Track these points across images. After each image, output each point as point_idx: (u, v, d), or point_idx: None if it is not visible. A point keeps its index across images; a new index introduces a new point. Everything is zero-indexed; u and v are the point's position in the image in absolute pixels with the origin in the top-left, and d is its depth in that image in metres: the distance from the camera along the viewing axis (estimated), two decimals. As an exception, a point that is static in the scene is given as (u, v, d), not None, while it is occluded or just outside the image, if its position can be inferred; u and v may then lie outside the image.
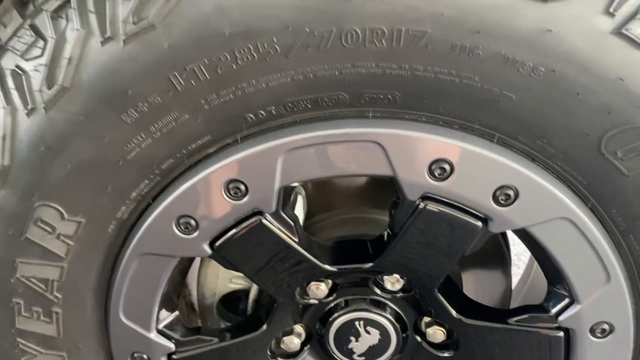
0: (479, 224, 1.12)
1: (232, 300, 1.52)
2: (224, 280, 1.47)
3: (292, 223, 1.19)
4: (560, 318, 1.20)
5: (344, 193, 1.46)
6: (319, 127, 1.06)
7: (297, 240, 1.20)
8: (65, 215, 1.13)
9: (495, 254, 1.50)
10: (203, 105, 1.02)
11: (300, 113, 1.06)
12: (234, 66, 0.97)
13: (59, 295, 1.23)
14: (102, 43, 0.97)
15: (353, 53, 0.96)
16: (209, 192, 1.12)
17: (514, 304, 1.63)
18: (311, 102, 1.04)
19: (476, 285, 1.53)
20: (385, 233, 1.24)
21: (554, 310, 1.22)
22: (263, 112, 1.05)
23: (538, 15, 0.89)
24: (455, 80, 0.97)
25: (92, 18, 0.97)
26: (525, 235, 1.15)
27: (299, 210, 1.35)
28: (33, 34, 1.02)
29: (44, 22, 1.01)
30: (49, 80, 1.00)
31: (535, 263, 1.89)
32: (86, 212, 1.14)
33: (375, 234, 1.39)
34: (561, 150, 1.04)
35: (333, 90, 1.02)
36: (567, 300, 1.20)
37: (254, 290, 1.45)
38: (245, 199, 1.12)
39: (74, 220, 1.14)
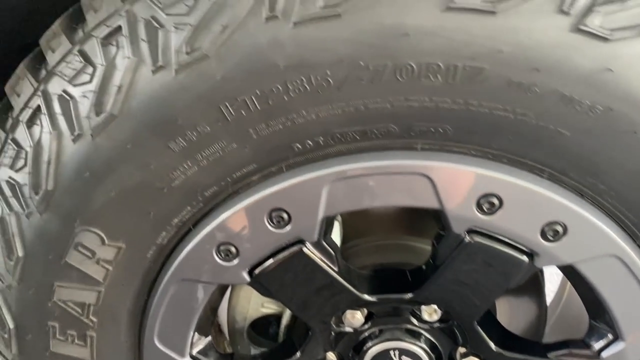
0: (525, 259, 1.10)
1: (262, 325, 1.51)
2: (255, 304, 1.46)
3: (332, 252, 1.18)
4: (604, 355, 1.18)
5: (380, 219, 1.44)
6: (366, 157, 1.05)
7: (336, 269, 1.19)
8: (106, 241, 1.12)
9: (530, 282, 1.48)
10: (251, 135, 1.01)
11: (348, 143, 1.05)
12: (285, 97, 0.96)
13: (94, 319, 1.22)
14: (154, 72, 0.96)
15: (407, 87, 0.94)
16: (252, 220, 1.11)
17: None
18: (359, 133, 1.03)
19: (510, 312, 1.51)
20: (426, 264, 1.23)
21: (596, 347, 1.20)
22: (311, 142, 1.04)
23: (599, 54, 0.88)
24: (510, 116, 0.96)
25: (144, 46, 0.96)
26: (569, 270, 1.13)
27: (336, 236, 1.34)
28: (82, 60, 1.01)
29: (93, 48, 1.01)
30: (97, 107, 1.00)
31: (567, 288, 1.87)
32: (127, 237, 1.13)
33: (411, 262, 1.38)
34: (613, 188, 1.02)
35: (383, 122, 1.00)
36: (610, 337, 1.18)
37: (287, 315, 1.44)
38: (288, 227, 1.11)
39: (115, 246, 1.13)
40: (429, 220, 1.32)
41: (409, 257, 1.40)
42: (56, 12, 1.42)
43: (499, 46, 0.89)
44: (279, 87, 0.95)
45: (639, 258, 1.08)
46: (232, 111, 0.98)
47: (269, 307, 1.47)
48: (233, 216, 1.11)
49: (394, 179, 1.05)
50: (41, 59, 1.09)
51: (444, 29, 0.89)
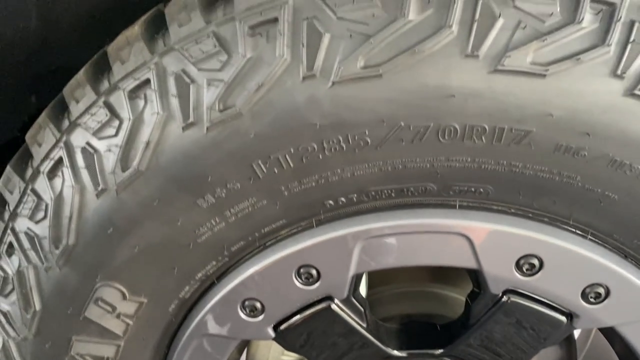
0: (564, 320, 1.06)
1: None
2: (275, 352, 1.41)
3: (361, 308, 1.14)
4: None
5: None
6: (402, 215, 1.01)
7: (365, 325, 1.15)
8: (128, 296, 1.08)
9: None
10: (283, 192, 0.97)
11: (382, 200, 1.01)
12: (320, 156, 0.92)
13: (113, 373, 1.18)
14: (184, 128, 0.92)
15: (448, 147, 0.90)
16: (279, 276, 1.07)
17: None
18: (396, 191, 0.99)
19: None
20: (458, 319, 1.18)
21: (635, 408, 1.15)
22: (344, 199, 1.00)
23: (653, 119, 0.84)
24: (555, 178, 0.92)
25: (174, 102, 0.92)
26: (609, 330, 1.09)
27: (361, 284, 1.30)
28: (108, 113, 0.97)
29: (120, 101, 0.96)
30: (123, 162, 0.95)
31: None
32: (149, 292, 1.09)
33: (440, 313, 1.34)
34: (660, 251, 0.98)
35: (421, 181, 0.96)
36: (650, 399, 1.13)
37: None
38: (317, 284, 1.07)
39: (136, 301, 1.09)
40: (459, 269, 1.27)
41: (437, 306, 1.35)
42: (69, 43, 1.39)
43: (549, 109, 0.85)
44: (315, 145, 0.91)
45: (684, 322, 1.04)
46: (264, 169, 0.94)
47: (289, 355, 1.42)
48: (260, 272, 1.06)
49: (431, 237, 1.01)
50: (64, 108, 1.05)
51: (492, 91, 0.84)
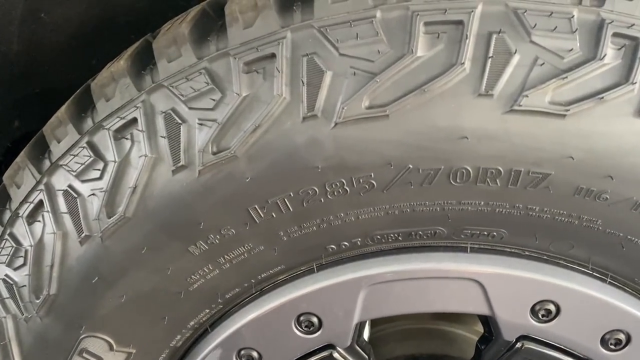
0: (582, 367, 1.00)
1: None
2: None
3: (365, 356, 1.07)
4: None
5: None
6: (409, 259, 0.95)
7: (369, 372, 1.08)
8: (115, 347, 1.00)
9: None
10: (282, 237, 0.90)
11: (389, 244, 0.94)
12: (322, 200, 0.86)
13: None
14: (174, 172, 0.85)
15: (460, 191, 0.84)
16: (278, 325, 1.00)
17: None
18: (403, 235, 0.92)
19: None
20: (468, 365, 1.12)
21: None
22: (347, 243, 0.93)
23: (681, 161, 0.78)
24: (575, 222, 0.86)
25: (163, 143, 0.85)
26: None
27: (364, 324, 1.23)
28: (91, 154, 0.90)
29: (104, 141, 0.89)
30: (109, 207, 0.88)
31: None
32: (138, 342, 1.01)
33: (446, 352, 1.27)
34: (684, 297, 0.92)
35: (431, 225, 0.90)
36: None
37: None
38: (318, 333, 1.00)
39: (124, 351, 1.02)
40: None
41: (445, 346, 1.28)
42: (53, 65, 1.32)
43: (569, 152, 0.79)
44: (316, 189, 0.84)
45: None
46: (261, 214, 0.87)
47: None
48: (256, 320, 0.99)
49: (440, 283, 0.95)
50: (44, 148, 0.97)
51: (507, 133, 0.78)
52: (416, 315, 1.35)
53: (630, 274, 0.92)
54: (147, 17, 1.19)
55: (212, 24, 0.89)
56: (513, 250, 0.93)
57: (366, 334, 1.19)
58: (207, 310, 1.00)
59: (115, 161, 0.88)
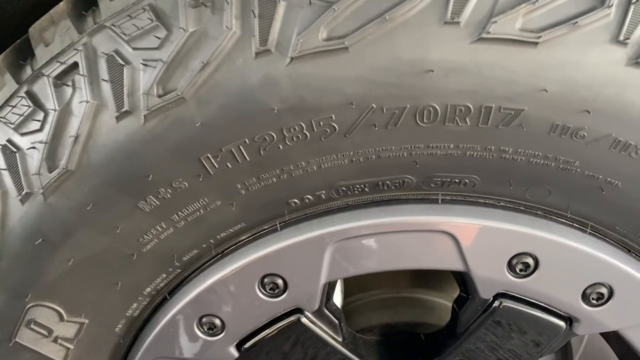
0: (563, 324, 0.94)
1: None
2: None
3: (335, 320, 1.01)
4: None
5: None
6: (377, 213, 0.89)
7: (340, 339, 1.02)
8: (65, 316, 0.94)
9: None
10: (239, 190, 0.84)
11: (355, 197, 0.88)
12: (280, 146, 0.79)
13: (54, 404, 1.03)
14: (118, 118, 0.78)
15: (428, 133, 0.78)
16: (240, 288, 0.93)
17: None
18: (369, 186, 0.86)
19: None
20: (446, 328, 1.06)
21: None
22: (310, 197, 0.87)
23: (662, 91, 0.73)
24: (551, 164, 0.80)
25: (106, 87, 0.78)
26: (612, 334, 0.98)
27: (337, 293, 1.17)
28: (30, 104, 0.82)
29: (44, 89, 0.82)
30: (50, 161, 0.81)
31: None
32: (90, 311, 0.94)
33: (424, 320, 1.22)
34: (669, 244, 0.87)
35: (398, 173, 0.84)
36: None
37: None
38: (284, 296, 0.94)
39: (75, 322, 0.95)
40: (445, 272, 1.15)
41: (422, 314, 1.23)
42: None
43: (542, 84, 0.73)
44: (273, 134, 0.78)
45: (695, 322, 0.93)
46: (215, 164, 0.80)
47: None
48: (217, 284, 0.93)
49: (411, 238, 0.89)
50: (-19, 101, 0.90)
51: (476, 65, 0.72)
52: (394, 283, 1.29)
53: (612, 222, 0.87)
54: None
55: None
56: (487, 201, 0.88)
57: (338, 300, 1.13)
58: (164, 275, 0.94)
59: (55, 110, 0.80)
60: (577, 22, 0.70)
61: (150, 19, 0.77)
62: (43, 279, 0.89)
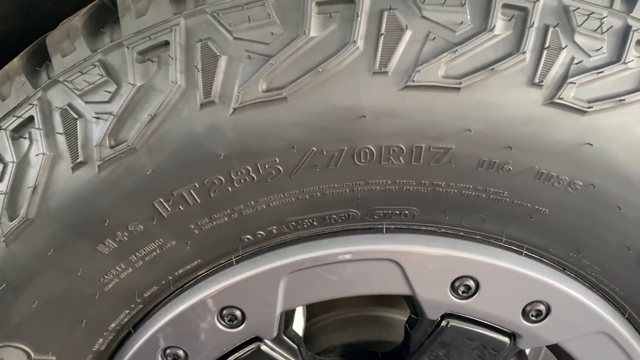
0: (507, 340, 1.00)
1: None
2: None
3: (295, 346, 1.06)
4: None
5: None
6: (326, 244, 0.94)
7: (301, 363, 1.07)
8: (33, 355, 0.97)
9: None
10: (193, 230, 0.89)
11: (305, 230, 0.93)
12: (229, 189, 0.84)
13: None
14: (73, 169, 0.82)
15: (367, 171, 0.84)
16: (200, 321, 0.98)
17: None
18: (317, 220, 0.91)
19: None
20: (400, 347, 1.11)
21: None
22: (262, 232, 0.92)
23: (576, 127, 0.79)
24: (482, 195, 0.86)
25: (61, 140, 0.82)
26: (556, 347, 1.04)
27: (299, 316, 1.22)
28: (-11, 156, 0.87)
29: (2, 142, 0.86)
30: (10, 210, 0.85)
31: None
32: (58, 349, 0.98)
33: (385, 338, 1.27)
34: (597, 263, 0.93)
35: (343, 207, 0.89)
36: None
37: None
38: (242, 326, 0.98)
39: (44, 359, 0.98)
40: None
41: (382, 332, 1.28)
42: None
43: (466, 124, 0.79)
44: (221, 178, 0.83)
45: (628, 332, 1.00)
46: (168, 207, 0.85)
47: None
48: (178, 317, 0.97)
49: (359, 266, 0.94)
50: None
51: (405, 109, 0.78)
52: (355, 303, 1.34)
53: (544, 244, 0.93)
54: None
55: (108, 16, 0.87)
56: (428, 228, 0.94)
57: (301, 323, 1.18)
58: (127, 311, 0.98)
59: (14, 162, 0.85)
60: (494, 68, 0.76)
61: (100, 74, 0.81)
62: (9, 321, 0.93)
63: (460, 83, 0.76)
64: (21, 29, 1.05)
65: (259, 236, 0.93)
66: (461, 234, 0.94)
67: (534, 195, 0.86)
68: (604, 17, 0.79)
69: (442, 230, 0.94)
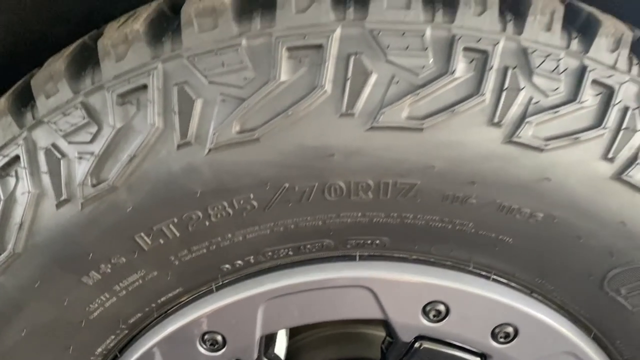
0: (478, 360, 1.05)
1: None
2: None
3: (276, 367, 1.10)
4: None
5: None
6: (303, 272, 0.98)
7: (281, 384, 1.11)
8: (22, 380, 1.01)
9: None
10: (173, 262, 0.93)
11: (281, 259, 0.97)
12: (207, 223, 0.88)
13: None
14: (57, 206, 0.86)
15: (337, 205, 0.88)
16: (183, 345, 1.02)
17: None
18: (292, 249, 0.95)
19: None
20: (377, 368, 1.16)
21: None
22: (240, 262, 0.96)
23: (535, 164, 0.83)
24: (448, 227, 0.90)
25: (46, 179, 0.86)
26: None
27: (281, 336, 1.26)
28: (-23, 194, 0.91)
29: (-11, 180, 0.90)
30: (-1, 245, 0.89)
31: None
32: (46, 374, 1.02)
33: (367, 355, 1.31)
34: (561, 288, 0.98)
35: (316, 238, 0.93)
36: None
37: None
38: (223, 350, 1.02)
39: (32, 384, 1.02)
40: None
41: (364, 348, 1.32)
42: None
43: (430, 162, 0.83)
44: (199, 213, 0.87)
45: (594, 352, 1.04)
46: (148, 241, 0.89)
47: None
48: (162, 341, 1.01)
49: (334, 292, 0.98)
50: None
51: (371, 148, 0.82)
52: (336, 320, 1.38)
53: (510, 270, 0.97)
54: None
55: (90, 58, 0.91)
56: (400, 255, 0.98)
57: (283, 342, 1.22)
58: (113, 337, 1.02)
59: (1, 199, 0.89)
60: (454, 110, 0.80)
61: (82, 116, 0.85)
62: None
63: (423, 124, 0.81)
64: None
65: (238, 265, 0.97)
66: (431, 260, 0.98)
67: (497, 226, 0.90)
68: (560, 58, 0.83)
69: (414, 257, 0.98)
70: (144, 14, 0.90)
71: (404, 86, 0.81)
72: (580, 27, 0.88)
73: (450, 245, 0.94)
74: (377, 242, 0.94)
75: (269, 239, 0.92)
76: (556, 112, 0.82)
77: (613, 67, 0.85)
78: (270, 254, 0.95)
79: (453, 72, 0.81)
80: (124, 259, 0.91)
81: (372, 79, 0.81)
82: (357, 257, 0.98)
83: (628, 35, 0.88)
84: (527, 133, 0.82)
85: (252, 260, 0.96)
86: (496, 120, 0.81)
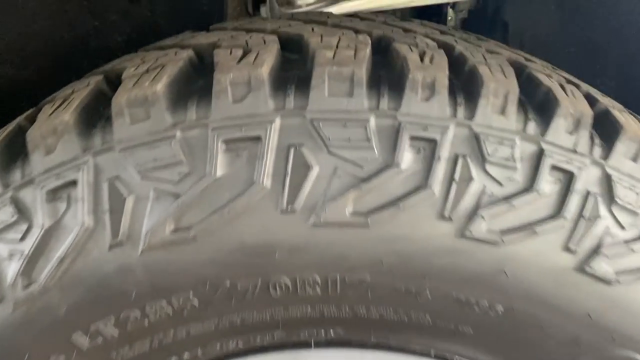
0: None
1: None
2: None
3: None
4: None
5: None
6: (256, 361, 0.93)
7: None
8: None
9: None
10: (115, 358, 0.88)
11: (231, 350, 0.92)
12: (146, 321, 0.83)
13: None
14: (-13, 308, 0.82)
15: (284, 300, 0.83)
16: None
17: None
18: (242, 341, 0.90)
19: None
20: None
21: None
22: (188, 353, 0.91)
23: (491, 257, 0.78)
24: (404, 319, 0.85)
25: (-25, 279, 0.82)
26: None
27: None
28: None
29: None
30: None
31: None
32: None
33: None
34: (529, 373, 0.92)
35: (266, 330, 0.89)
36: None
37: None
38: None
39: None
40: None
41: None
42: None
43: (378, 257, 0.78)
44: (137, 312, 0.82)
45: None
46: (86, 341, 0.84)
47: None
48: None
49: (288, 382, 0.93)
50: None
51: (316, 245, 0.77)
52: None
53: (473, 356, 0.92)
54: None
55: (22, 148, 0.86)
56: (357, 343, 0.93)
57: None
58: None
59: None
60: (400, 205, 0.75)
61: (12, 212, 0.81)
62: None
63: (368, 220, 0.76)
64: None
65: (186, 356, 0.92)
66: (391, 345, 0.93)
67: (455, 317, 0.85)
68: (516, 144, 0.78)
69: (372, 342, 0.93)
70: (78, 98, 0.85)
71: (347, 180, 0.76)
72: (536, 106, 0.83)
73: (407, 337, 0.89)
74: (331, 332, 0.89)
75: (215, 333, 0.87)
76: (512, 203, 0.77)
77: (573, 150, 0.80)
78: (218, 345, 0.90)
79: (399, 165, 0.76)
80: (63, 357, 0.86)
81: (314, 172, 0.76)
82: (312, 345, 0.93)
83: (588, 114, 0.82)
84: (480, 227, 0.77)
85: (199, 352, 0.91)
86: (446, 214, 0.76)
